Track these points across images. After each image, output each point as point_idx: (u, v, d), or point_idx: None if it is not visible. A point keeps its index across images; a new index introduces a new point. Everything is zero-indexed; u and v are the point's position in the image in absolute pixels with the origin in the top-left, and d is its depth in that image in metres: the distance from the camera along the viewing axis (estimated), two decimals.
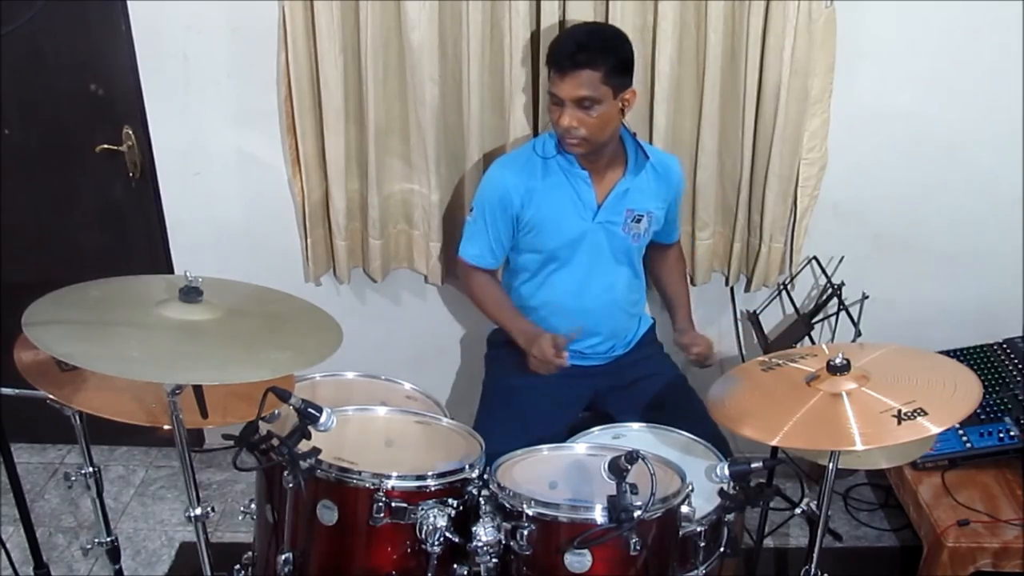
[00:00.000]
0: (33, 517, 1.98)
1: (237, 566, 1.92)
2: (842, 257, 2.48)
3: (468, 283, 2.24)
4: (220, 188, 2.49)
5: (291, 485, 1.61)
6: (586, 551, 1.54)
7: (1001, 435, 2.26)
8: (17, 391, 1.74)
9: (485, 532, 1.58)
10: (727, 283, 2.57)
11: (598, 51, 1.92)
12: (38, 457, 2.92)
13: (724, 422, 1.67)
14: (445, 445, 1.83)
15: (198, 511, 1.72)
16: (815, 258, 2.45)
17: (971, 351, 2.49)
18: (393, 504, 1.61)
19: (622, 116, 2.02)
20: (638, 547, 1.52)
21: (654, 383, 2.20)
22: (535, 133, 2.32)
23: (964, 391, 1.58)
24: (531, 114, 2.30)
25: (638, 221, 2.12)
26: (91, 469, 1.96)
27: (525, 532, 1.57)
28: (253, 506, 1.86)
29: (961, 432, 2.29)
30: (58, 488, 2.78)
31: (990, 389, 2.36)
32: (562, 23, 2.19)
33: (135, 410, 1.70)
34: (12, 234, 2.57)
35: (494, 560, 1.60)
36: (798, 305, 2.46)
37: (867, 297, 2.30)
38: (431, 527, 1.60)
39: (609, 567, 1.56)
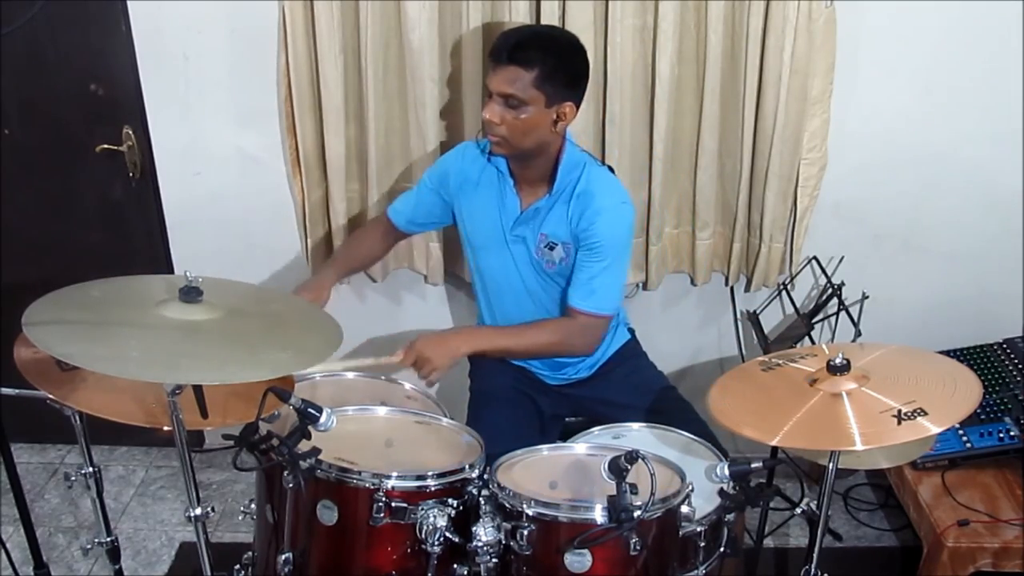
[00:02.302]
0: (33, 517, 1.98)
1: (237, 566, 1.92)
2: (842, 257, 2.48)
3: (359, 231, 2.32)
4: (220, 188, 2.49)
5: (291, 485, 1.61)
6: (586, 551, 1.54)
7: (1001, 435, 2.26)
8: (17, 391, 1.74)
9: (485, 532, 1.58)
10: (727, 283, 2.57)
11: (536, 51, 1.82)
12: (38, 457, 2.93)
13: (724, 422, 1.67)
14: (445, 445, 1.83)
15: (198, 511, 1.71)
16: (815, 258, 2.45)
17: (971, 351, 2.49)
18: (393, 504, 1.61)
19: (554, 128, 1.90)
20: (638, 547, 1.52)
21: (640, 394, 2.16)
22: None
23: (964, 391, 1.58)
24: None
25: (552, 248, 2.01)
26: (91, 469, 1.96)
27: (525, 532, 1.57)
28: (253, 506, 1.86)
29: (961, 432, 2.29)
30: (58, 488, 2.78)
31: (990, 389, 2.36)
32: (563, 25, 2.19)
33: (135, 410, 1.70)
34: (12, 234, 2.57)
35: (494, 560, 1.59)
36: (798, 305, 2.46)
37: (867, 297, 2.30)
38: (431, 527, 1.60)
39: (609, 567, 1.56)
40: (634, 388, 2.17)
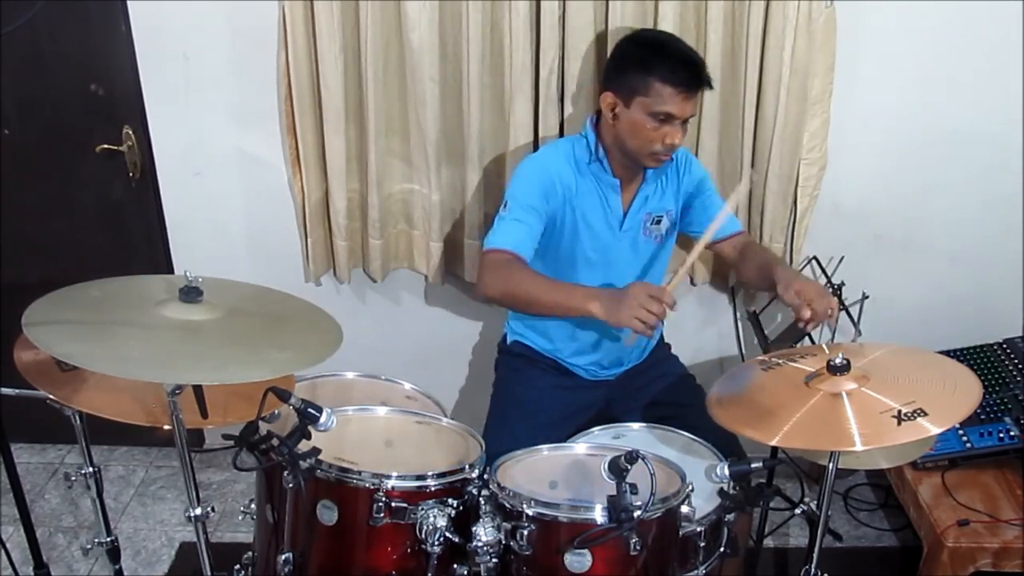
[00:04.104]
0: (33, 517, 1.98)
1: (237, 566, 1.92)
2: (842, 257, 2.48)
3: (505, 274, 1.91)
4: (220, 188, 2.49)
5: (291, 485, 1.61)
6: (586, 551, 1.54)
7: (1001, 435, 2.26)
8: (17, 391, 1.74)
9: (485, 532, 1.58)
10: (727, 283, 2.57)
11: (707, 69, 1.97)
12: (38, 457, 2.93)
13: (724, 422, 1.67)
14: (445, 445, 1.83)
15: (198, 511, 1.72)
16: (815, 258, 2.45)
17: (971, 351, 2.49)
18: (393, 504, 1.61)
19: None
20: (638, 547, 1.52)
21: (660, 383, 2.19)
22: (535, 133, 2.31)
23: (964, 391, 1.58)
24: (531, 115, 2.29)
25: (657, 223, 2.11)
26: (91, 469, 1.96)
27: (525, 532, 1.57)
28: (253, 506, 1.86)
29: (961, 432, 2.29)
30: (58, 488, 2.78)
31: (990, 389, 2.36)
32: (562, 27, 2.19)
33: (135, 410, 1.70)
34: (12, 234, 2.57)
35: (494, 560, 1.59)
36: None
37: (867, 297, 2.29)
38: (431, 527, 1.60)
39: (609, 567, 1.56)
40: (663, 376, 2.21)
